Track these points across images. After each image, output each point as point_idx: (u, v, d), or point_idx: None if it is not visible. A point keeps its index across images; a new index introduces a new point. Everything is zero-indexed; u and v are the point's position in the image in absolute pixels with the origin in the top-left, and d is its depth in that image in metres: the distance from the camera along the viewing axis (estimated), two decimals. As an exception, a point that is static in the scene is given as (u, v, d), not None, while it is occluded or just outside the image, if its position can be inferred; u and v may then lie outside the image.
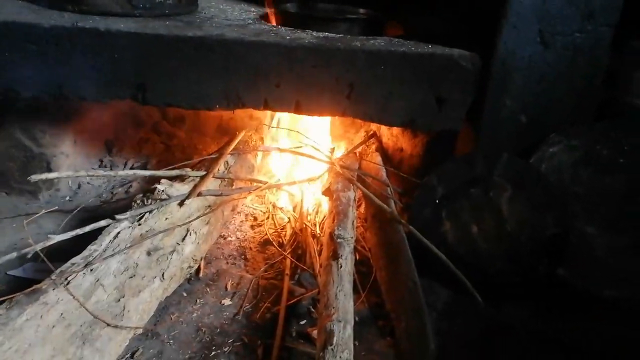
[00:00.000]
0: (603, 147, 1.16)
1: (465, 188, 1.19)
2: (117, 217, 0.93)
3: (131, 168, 1.68)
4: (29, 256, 0.84)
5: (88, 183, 1.55)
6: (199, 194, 1.05)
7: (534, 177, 1.14)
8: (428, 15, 1.56)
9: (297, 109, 1.20)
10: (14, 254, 0.84)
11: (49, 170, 1.42)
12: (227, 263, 1.20)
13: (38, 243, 1.23)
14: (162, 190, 1.07)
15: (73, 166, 1.51)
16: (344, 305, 0.88)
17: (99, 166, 1.64)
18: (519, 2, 1.06)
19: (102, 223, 0.92)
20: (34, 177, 0.98)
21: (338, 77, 1.15)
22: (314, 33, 1.23)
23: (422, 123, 1.19)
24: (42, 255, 0.85)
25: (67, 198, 1.46)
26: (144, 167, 1.69)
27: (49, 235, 0.86)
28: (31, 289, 0.78)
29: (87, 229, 0.90)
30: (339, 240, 1.04)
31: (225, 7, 1.52)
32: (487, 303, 1.07)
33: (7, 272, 1.13)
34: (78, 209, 1.27)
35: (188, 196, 1.05)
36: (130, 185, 1.56)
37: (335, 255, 1.00)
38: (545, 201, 1.13)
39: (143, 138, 1.79)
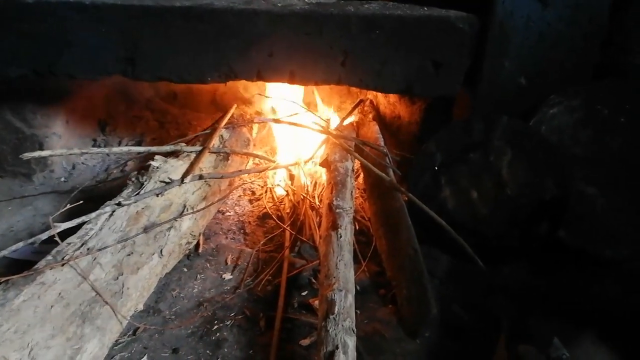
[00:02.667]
0: (604, 106, 1.14)
1: (464, 153, 1.17)
2: (123, 202, 0.92)
3: (125, 146, 1.65)
4: (35, 245, 0.83)
5: (82, 163, 1.53)
6: (200, 177, 1.03)
7: (534, 140, 1.12)
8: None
9: (292, 78, 1.17)
10: (21, 244, 0.83)
11: (42, 150, 1.39)
12: (227, 238, 1.19)
13: (35, 225, 1.24)
14: (157, 167, 1.05)
15: (66, 147, 1.48)
16: (344, 274, 0.88)
17: (93, 145, 1.62)
18: (517, -42, 1.02)
19: (108, 209, 0.90)
20: (27, 155, 0.96)
21: (332, 44, 1.12)
22: (306, -1, 1.20)
23: (419, 89, 1.16)
24: (57, 238, 0.84)
25: (62, 179, 1.44)
26: (138, 145, 1.66)
27: (54, 224, 0.84)
28: (34, 268, 0.77)
29: (93, 215, 0.89)
30: (337, 210, 1.02)
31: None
32: (490, 267, 1.07)
33: (5, 254, 1.12)
34: (74, 192, 1.25)
35: (185, 175, 1.03)
36: (125, 164, 1.54)
37: (334, 226, 0.99)
38: (545, 163, 1.11)
39: (136, 116, 1.76)
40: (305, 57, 1.14)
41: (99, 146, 1.63)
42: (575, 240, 1.13)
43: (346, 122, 1.50)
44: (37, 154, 0.97)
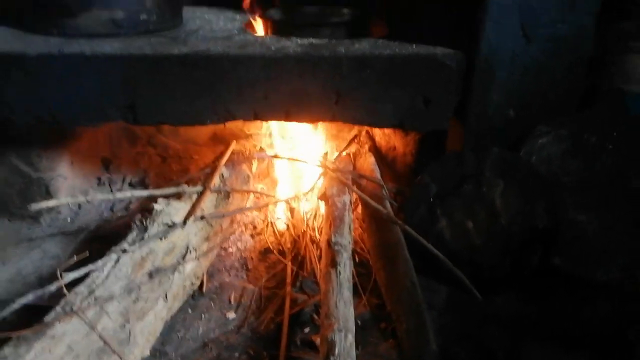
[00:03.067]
0: (591, 134, 1.17)
1: (458, 185, 1.20)
2: (127, 249, 0.95)
3: (129, 183, 1.69)
4: (45, 297, 0.86)
5: (88, 202, 1.57)
6: (202, 218, 1.07)
7: (524, 170, 1.15)
8: (411, 10, 1.57)
9: (287, 117, 1.21)
10: (30, 296, 0.86)
11: (48, 193, 1.44)
12: (230, 275, 1.22)
13: (43, 268, 1.27)
14: (160, 210, 1.08)
15: (71, 187, 1.53)
16: (344, 313, 0.90)
17: (97, 184, 1.66)
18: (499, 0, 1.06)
19: (113, 257, 0.93)
20: (34, 207, 1.00)
21: (325, 85, 1.16)
22: (299, 40, 1.24)
23: (411, 124, 1.20)
24: (64, 290, 0.87)
25: (69, 219, 1.47)
26: (141, 181, 1.70)
27: (64, 273, 0.88)
28: (44, 322, 0.80)
29: (100, 263, 0.92)
30: (336, 247, 1.05)
31: (210, 17, 1.52)
32: (484, 296, 1.09)
33: (17, 301, 1.16)
34: (80, 233, 1.29)
35: (187, 217, 1.06)
36: (130, 202, 1.58)
37: (333, 263, 1.02)
38: (536, 193, 1.14)
39: (139, 152, 1.80)
40: (299, 97, 1.18)
41: (104, 184, 1.67)
42: (567, 265, 1.15)
43: (343, 153, 1.54)
44: (44, 204, 1.01)
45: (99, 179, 1.68)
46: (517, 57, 1.11)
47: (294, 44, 1.21)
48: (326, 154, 1.50)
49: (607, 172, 1.18)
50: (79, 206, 1.55)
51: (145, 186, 1.69)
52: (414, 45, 1.18)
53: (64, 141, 1.49)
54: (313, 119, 1.23)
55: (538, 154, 1.18)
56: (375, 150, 1.57)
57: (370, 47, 1.19)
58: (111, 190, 1.64)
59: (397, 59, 1.13)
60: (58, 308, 0.85)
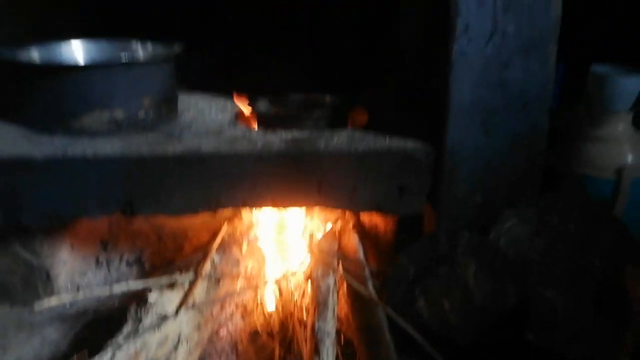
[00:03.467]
0: (553, 216, 1.27)
1: (434, 266, 1.28)
2: (122, 344, 1.02)
3: (126, 262, 1.77)
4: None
5: (86, 284, 1.64)
6: (193, 306, 1.14)
7: (493, 252, 1.24)
8: (390, 99, 1.71)
9: (274, 204, 1.31)
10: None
11: (49, 279, 1.51)
12: (220, 359, 1.27)
13: (43, 356, 1.33)
14: (154, 302, 1.16)
15: (71, 271, 1.60)
16: (326, 402, 0.96)
17: (96, 265, 1.73)
18: (460, 100, 1.18)
19: (109, 353, 1.00)
20: (38, 307, 1.07)
21: (307, 176, 1.27)
22: (283, 135, 1.36)
23: (387, 209, 1.30)
24: None
25: (67, 304, 1.54)
26: (138, 260, 1.78)
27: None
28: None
29: (96, 358, 0.98)
30: (319, 334, 1.12)
31: (203, 105, 1.64)
32: (464, 375, 1.15)
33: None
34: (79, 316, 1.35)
35: (180, 307, 1.14)
36: (127, 281, 1.65)
37: (316, 350, 1.09)
38: (505, 273, 1.23)
39: (136, 231, 1.89)
40: (284, 187, 1.28)
41: (102, 264, 1.74)
42: (541, 342, 1.21)
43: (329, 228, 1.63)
44: (47, 302, 1.10)
45: (97, 259, 1.75)
46: (479, 151, 1.22)
47: (278, 139, 1.32)
48: (312, 234, 1.58)
49: (570, 252, 1.26)
50: (77, 288, 1.62)
51: (141, 264, 1.77)
52: (388, 139, 1.29)
53: (65, 227, 1.58)
54: (297, 205, 1.33)
55: (506, 236, 1.27)
56: (360, 226, 1.66)
57: (348, 140, 1.30)
58: (108, 271, 1.72)
59: (372, 153, 1.24)
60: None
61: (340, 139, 1.32)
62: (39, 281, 1.50)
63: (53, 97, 1.30)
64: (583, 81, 1.40)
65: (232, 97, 1.70)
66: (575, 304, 1.24)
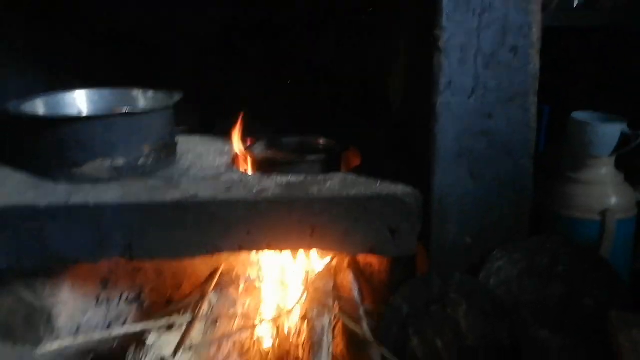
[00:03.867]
0: (542, 257, 1.30)
1: (427, 306, 1.31)
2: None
3: (126, 299, 1.80)
4: None
5: (86, 323, 1.67)
6: (190, 348, 1.17)
7: (483, 293, 1.27)
8: (381, 144, 1.77)
9: (269, 248, 1.35)
10: None
11: (49, 320, 1.54)
12: (217, 401, 1.29)
13: (43, 396, 1.35)
14: (152, 345, 1.19)
15: (72, 311, 1.63)
16: None
17: (96, 303, 1.76)
18: (445, 149, 1.23)
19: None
20: (40, 353, 1.10)
21: (300, 220, 1.31)
22: (278, 179, 1.40)
23: (380, 251, 1.33)
24: None
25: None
26: (137, 297, 1.81)
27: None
28: None
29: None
30: (313, 378, 1.15)
31: (202, 150, 1.70)
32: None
33: None
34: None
35: (177, 350, 1.17)
36: (125, 319, 1.68)
37: (311, 392, 1.11)
38: (496, 314, 1.25)
39: (135, 268, 1.92)
40: (278, 232, 1.32)
41: (102, 302, 1.77)
42: (535, 382, 1.23)
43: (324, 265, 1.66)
44: (49, 347, 1.13)
45: (97, 297, 1.78)
46: (468, 195, 1.26)
47: (273, 184, 1.37)
48: (307, 273, 1.61)
49: (560, 292, 1.29)
50: (77, 328, 1.65)
51: (140, 302, 1.80)
52: (379, 183, 1.34)
53: (66, 268, 1.61)
54: (292, 248, 1.36)
55: (496, 277, 1.30)
56: (355, 264, 1.69)
57: (340, 185, 1.34)
58: (108, 309, 1.75)
59: (362, 197, 1.28)
60: None
61: (332, 184, 1.36)
62: (41, 321, 1.53)
63: (56, 147, 1.36)
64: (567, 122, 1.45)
65: (230, 141, 1.75)
66: (567, 343, 1.26)
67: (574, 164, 1.37)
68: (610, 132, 1.31)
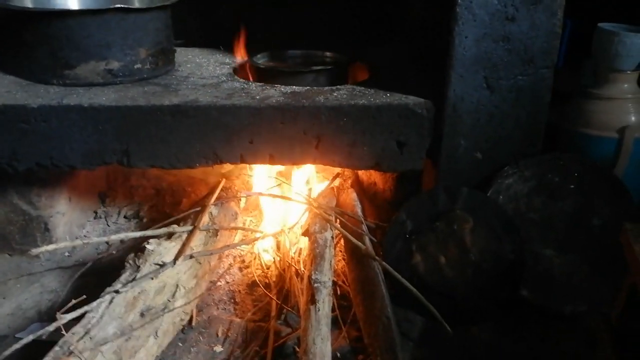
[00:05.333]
0: (554, 175, 1.26)
1: (431, 222, 1.28)
2: (120, 290, 1.03)
3: (124, 216, 1.77)
4: (44, 337, 0.93)
5: (85, 236, 1.65)
6: (191, 257, 1.15)
7: (491, 209, 1.24)
8: (392, 55, 1.68)
9: (272, 160, 1.30)
10: (31, 337, 0.93)
11: (47, 230, 1.51)
12: (218, 309, 1.29)
13: (42, 303, 1.35)
14: (152, 250, 1.16)
15: (69, 222, 1.61)
16: (321, 350, 0.98)
17: (94, 217, 1.74)
18: (463, 54, 1.16)
19: (107, 298, 1.01)
20: (34, 251, 1.08)
21: (305, 131, 1.25)
22: (282, 88, 1.33)
23: (386, 166, 1.29)
24: (63, 330, 0.94)
25: (66, 254, 1.55)
26: (136, 214, 1.78)
27: (60, 315, 0.95)
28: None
29: (94, 304, 0.99)
30: (315, 285, 1.13)
31: (201, 60, 1.62)
32: (458, 327, 1.17)
33: (15, 335, 1.23)
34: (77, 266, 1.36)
35: (177, 257, 1.14)
36: (125, 232, 1.66)
37: (312, 300, 1.10)
38: (502, 230, 1.23)
39: (134, 185, 1.89)
40: (282, 143, 1.27)
41: (100, 217, 1.75)
42: (537, 299, 1.23)
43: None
44: (44, 248, 1.09)
45: (95, 212, 1.76)
46: (482, 106, 1.20)
47: (277, 93, 1.30)
48: (310, 189, 1.58)
49: (569, 211, 1.26)
50: (76, 240, 1.63)
51: (139, 218, 1.77)
52: (388, 94, 1.27)
53: (62, 179, 1.57)
54: (295, 162, 1.31)
55: (505, 193, 1.27)
56: (358, 184, 1.65)
57: (348, 96, 1.28)
58: (107, 224, 1.73)
59: (372, 107, 1.22)
60: (56, 348, 0.92)
61: (340, 94, 1.29)
62: (37, 232, 1.51)
63: (47, 46, 1.27)
64: (590, 40, 1.36)
65: (231, 52, 1.66)
66: (573, 262, 1.25)
67: (596, 79, 1.30)
68: (637, 44, 1.23)
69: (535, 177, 1.26)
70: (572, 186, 1.26)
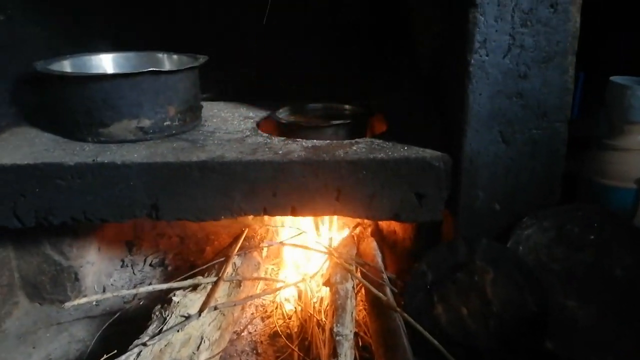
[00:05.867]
0: (573, 225, 1.27)
1: (452, 272, 1.29)
2: (147, 342, 1.06)
3: (150, 264, 1.82)
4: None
5: (112, 285, 1.70)
6: (215, 308, 1.18)
7: (511, 259, 1.25)
8: (410, 99, 1.73)
9: (293, 212, 1.34)
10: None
11: (77, 279, 1.57)
12: (241, 360, 1.31)
13: (70, 352, 1.38)
14: (178, 302, 1.20)
15: (98, 272, 1.66)
16: (343, 404, 0.98)
17: (121, 266, 1.79)
18: (478, 110, 1.20)
19: (135, 350, 1.04)
20: (68, 305, 1.13)
21: (326, 184, 1.29)
22: (304, 142, 1.39)
23: (406, 217, 1.31)
24: None
25: (94, 303, 1.59)
26: (161, 262, 1.83)
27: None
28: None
29: (123, 357, 1.02)
30: (337, 337, 1.14)
31: (227, 114, 1.69)
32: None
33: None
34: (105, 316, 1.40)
35: (202, 309, 1.17)
36: (150, 283, 1.70)
37: (335, 353, 1.11)
38: (523, 281, 1.23)
39: (159, 234, 1.95)
40: (304, 195, 1.31)
41: (127, 266, 1.80)
42: (561, 351, 1.21)
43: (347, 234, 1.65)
44: (76, 302, 1.13)
45: (123, 261, 1.81)
46: (498, 159, 1.23)
47: (298, 147, 1.35)
48: (331, 238, 1.61)
49: (590, 261, 1.26)
50: (103, 289, 1.67)
51: (164, 266, 1.82)
52: (405, 147, 1.31)
53: (93, 230, 1.64)
54: (316, 213, 1.35)
55: (525, 244, 1.28)
56: (378, 231, 1.68)
57: (367, 149, 1.32)
58: (133, 272, 1.78)
59: (390, 161, 1.26)
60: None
61: (359, 147, 1.34)
62: (68, 281, 1.56)
63: (84, 106, 1.36)
64: (603, 90, 1.40)
65: (254, 106, 1.74)
66: (596, 313, 1.23)
67: (611, 131, 1.33)
68: (650, 96, 1.26)
69: (555, 227, 1.27)
70: (592, 236, 1.26)
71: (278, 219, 1.66)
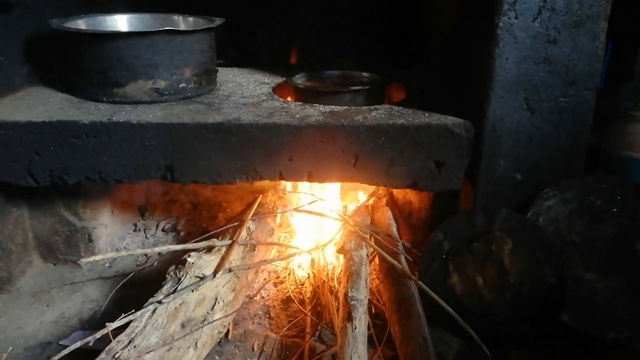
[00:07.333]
0: (596, 197, 1.24)
1: (469, 242, 1.27)
2: (162, 300, 1.06)
3: (162, 229, 1.82)
4: (90, 344, 0.96)
5: (125, 248, 1.70)
6: (230, 270, 1.17)
7: (531, 231, 1.23)
8: (428, 74, 1.69)
9: (310, 178, 1.32)
10: (78, 344, 0.97)
11: (90, 241, 1.57)
12: (253, 323, 1.31)
13: (84, 311, 1.39)
14: (192, 263, 1.19)
15: (111, 234, 1.66)
16: (358, 367, 0.98)
17: (134, 230, 1.79)
18: (503, 76, 1.16)
19: (150, 308, 1.04)
20: (83, 261, 1.12)
21: (344, 149, 1.27)
22: (321, 107, 1.36)
23: (424, 185, 1.29)
24: (110, 335, 0.97)
25: (107, 264, 1.60)
26: (174, 227, 1.83)
27: (107, 324, 0.99)
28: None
29: (138, 314, 1.03)
30: (352, 302, 1.14)
31: (242, 80, 1.66)
32: (495, 351, 1.15)
33: (59, 342, 1.27)
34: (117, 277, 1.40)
35: (217, 270, 1.17)
36: (167, 245, 1.70)
37: (349, 317, 1.10)
38: (542, 253, 1.21)
39: (172, 199, 1.94)
40: (320, 160, 1.29)
41: (139, 230, 1.80)
42: (578, 325, 1.20)
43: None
44: (92, 259, 1.13)
45: (135, 225, 1.81)
46: (522, 127, 1.20)
47: (316, 112, 1.33)
48: (346, 206, 1.59)
49: (612, 234, 1.24)
50: (117, 251, 1.68)
51: (177, 232, 1.82)
52: (426, 114, 1.28)
53: (106, 192, 1.63)
54: (333, 179, 1.33)
55: (545, 215, 1.25)
56: (393, 202, 1.66)
57: (386, 115, 1.29)
58: (146, 236, 1.78)
59: (410, 127, 1.23)
60: (102, 355, 0.95)
61: (378, 113, 1.31)
62: (81, 242, 1.56)
63: (98, 65, 1.34)
64: (630, 62, 1.35)
65: (269, 73, 1.71)
66: (615, 287, 1.22)
67: (637, 102, 1.29)
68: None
69: (577, 199, 1.25)
70: (615, 209, 1.23)
71: (292, 186, 1.64)
